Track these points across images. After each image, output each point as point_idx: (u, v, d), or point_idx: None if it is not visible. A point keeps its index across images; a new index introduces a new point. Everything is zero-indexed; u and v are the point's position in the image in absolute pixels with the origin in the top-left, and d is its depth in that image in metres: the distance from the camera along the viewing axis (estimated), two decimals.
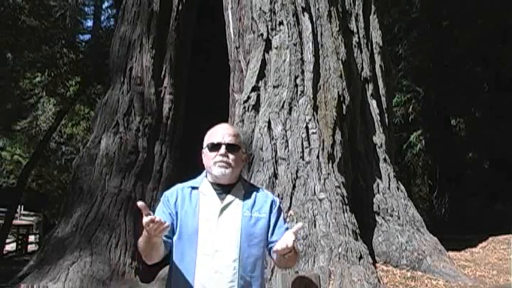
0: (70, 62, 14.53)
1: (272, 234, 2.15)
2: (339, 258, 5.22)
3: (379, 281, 5.25)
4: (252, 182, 5.77)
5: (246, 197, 2.16)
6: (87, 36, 20.58)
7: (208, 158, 2.15)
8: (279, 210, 2.24)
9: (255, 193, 2.20)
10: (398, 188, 7.04)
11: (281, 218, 2.22)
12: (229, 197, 2.13)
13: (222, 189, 2.15)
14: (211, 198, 2.13)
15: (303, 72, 6.52)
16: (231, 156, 2.12)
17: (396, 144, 11.30)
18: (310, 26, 6.77)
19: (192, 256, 2.05)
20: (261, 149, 6.04)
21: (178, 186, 2.22)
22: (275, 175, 5.88)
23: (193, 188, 2.18)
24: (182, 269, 2.06)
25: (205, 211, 2.10)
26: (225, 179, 2.14)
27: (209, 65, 9.54)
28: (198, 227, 2.07)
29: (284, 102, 6.31)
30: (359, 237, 5.73)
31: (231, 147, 2.13)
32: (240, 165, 2.19)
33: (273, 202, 2.21)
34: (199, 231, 2.07)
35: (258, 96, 6.51)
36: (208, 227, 2.07)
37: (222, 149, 2.11)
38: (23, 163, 19.37)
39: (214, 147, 2.13)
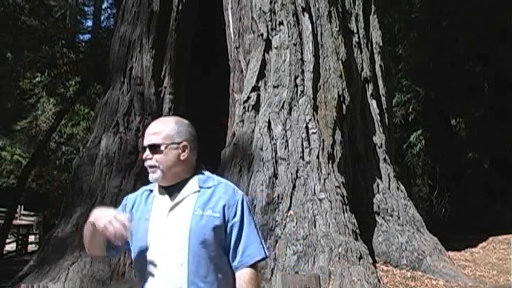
0: (70, 62, 14.53)
1: (230, 246, 1.91)
2: (339, 258, 5.22)
3: (379, 281, 5.25)
4: (251, 182, 5.78)
5: (200, 193, 1.92)
6: (87, 36, 20.62)
7: None
8: (241, 212, 1.92)
9: (212, 188, 1.94)
10: (398, 188, 7.04)
11: (237, 225, 1.91)
12: (180, 195, 1.92)
13: (172, 188, 1.95)
14: (162, 199, 1.95)
15: (303, 72, 6.52)
16: (155, 157, 1.92)
17: (396, 144, 11.30)
18: (310, 26, 6.78)
19: (143, 262, 1.90)
20: (261, 149, 6.04)
21: (141, 189, 2.08)
22: (275, 175, 5.88)
23: (151, 190, 2.02)
24: (139, 276, 1.95)
25: (156, 213, 1.93)
26: (163, 182, 1.94)
27: (209, 65, 9.54)
28: (148, 230, 1.91)
29: (284, 102, 6.31)
30: (359, 237, 5.74)
31: (153, 148, 1.93)
32: (174, 162, 1.92)
33: (228, 201, 1.92)
34: (148, 235, 1.90)
35: (258, 96, 6.51)
36: (156, 229, 1.90)
37: (145, 153, 1.95)
38: (23, 163, 19.38)
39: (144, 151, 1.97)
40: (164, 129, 1.95)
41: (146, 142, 1.96)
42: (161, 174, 1.92)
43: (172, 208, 1.91)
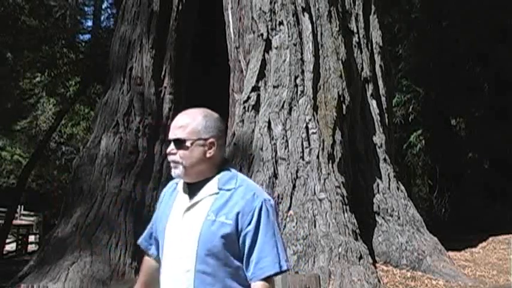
0: (70, 62, 14.53)
1: (244, 255, 1.76)
2: (339, 258, 5.23)
3: (379, 281, 5.26)
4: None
5: (219, 195, 1.78)
6: (87, 36, 20.59)
7: None
8: (257, 220, 1.74)
9: (231, 191, 1.78)
10: (398, 188, 7.04)
11: (251, 234, 1.74)
12: (198, 195, 1.80)
13: (193, 186, 1.83)
14: (182, 196, 1.86)
15: (303, 72, 6.52)
16: (180, 153, 1.80)
17: (396, 144, 11.30)
18: (310, 26, 6.78)
19: (160, 260, 1.86)
20: (261, 149, 6.04)
21: (171, 181, 2.00)
22: (275, 175, 5.88)
23: (177, 183, 1.93)
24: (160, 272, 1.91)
25: (174, 211, 1.85)
26: (186, 179, 1.84)
27: (209, 65, 9.54)
28: (165, 228, 1.85)
29: (284, 102, 6.31)
30: (359, 237, 5.74)
31: (177, 143, 1.81)
32: (198, 159, 1.80)
33: (243, 207, 1.75)
34: (165, 233, 1.84)
35: (258, 96, 6.51)
36: (172, 228, 1.82)
37: (169, 147, 1.84)
38: (23, 163, 19.38)
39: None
40: (191, 123, 1.81)
41: (171, 136, 1.83)
42: (183, 170, 1.80)
43: (188, 209, 1.80)
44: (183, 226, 1.79)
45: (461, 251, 7.59)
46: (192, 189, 1.83)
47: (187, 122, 1.82)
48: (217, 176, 1.82)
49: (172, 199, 1.90)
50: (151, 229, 2.02)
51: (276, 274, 1.76)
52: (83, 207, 7.05)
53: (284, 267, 1.76)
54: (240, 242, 1.75)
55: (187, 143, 1.79)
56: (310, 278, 2.90)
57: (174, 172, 1.83)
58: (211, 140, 1.81)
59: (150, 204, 7.38)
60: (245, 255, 1.75)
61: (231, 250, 1.75)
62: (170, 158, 1.83)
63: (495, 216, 10.53)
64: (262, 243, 1.74)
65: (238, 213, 1.74)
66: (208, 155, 1.81)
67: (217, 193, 1.79)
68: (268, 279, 1.74)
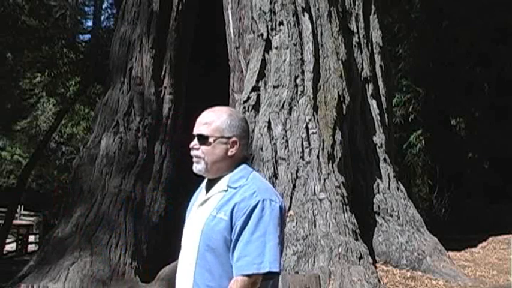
0: (70, 62, 14.55)
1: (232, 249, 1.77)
2: (339, 258, 5.23)
3: (379, 281, 5.25)
4: None
5: (227, 193, 1.82)
6: (87, 36, 20.64)
7: None
8: (247, 217, 1.74)
9: (237, 189, 1.81)
10: (398, 188, 7.04)
11: (238, 230, 1.75)
12: (210, 192, 1.87)
13: (211, 182, 1.90)
14: (202, 191, 1.95)
15: (303, 72, 6.52)
16: (202, 148, 1.85)
17: (396, 144, 11.29)
18: (310, 26, 6.78)
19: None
20: (261, 149, 6.04)
21: None
22: (275, 175, 5.88)
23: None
24: None
25: (195, 205, 1.94)
26: (206, 174, 1.90)
27: (209, 65, 9.54)
28: (186, 221, 1.96)
29: (284, 102, 6.31)
30: (359, 237, 5.74)
31: (201, 139, 1.86)
32: (220, 157, 1.85)
33: (239, 203, 1.76)
34: (185, 226, 1.94)
35: (258, 96, 6.51)
36: (188, 222, 1.93)
37: (193, 142, 1.89)
38: (23, 163, 19.41)
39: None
40: (215, 121, 1.87)
41: (195, 131, 1.89)
42: (205, 166, 1.86)
43: (201, 204, 1.88)
44: (194, 220, 1.87)
45: (461, 251, 7.58)
46: (209, 184, 1.91)
47: (212, 119, 1.88)
48: (230, 174, 1.87)
49: (197, 194, 1.99)
50: None
51: (255, 275, 1.70)
52: (83, 207, 7.05)
53: (264, 269, 1.70)
54: (232, 237, 1.77)
55: (210, 140, 1.85)
56: (310, 278, 2.89)
57: (196, 167, 1.88)
58: (234, 139, 1.87)
59: (150, 204, 7.39)
60: (231, 251, 1.76)
61: (226, 246, 1.77)
62: (193, 152, 1.89)
63: (495, 216, 10.52)
64: (247, 241, 1.72)
65: (233, 210, 1.77)
66: (230, 153, 1.87)
67: (226, 190, 1.84)
68: (247, 275, 1.70)
